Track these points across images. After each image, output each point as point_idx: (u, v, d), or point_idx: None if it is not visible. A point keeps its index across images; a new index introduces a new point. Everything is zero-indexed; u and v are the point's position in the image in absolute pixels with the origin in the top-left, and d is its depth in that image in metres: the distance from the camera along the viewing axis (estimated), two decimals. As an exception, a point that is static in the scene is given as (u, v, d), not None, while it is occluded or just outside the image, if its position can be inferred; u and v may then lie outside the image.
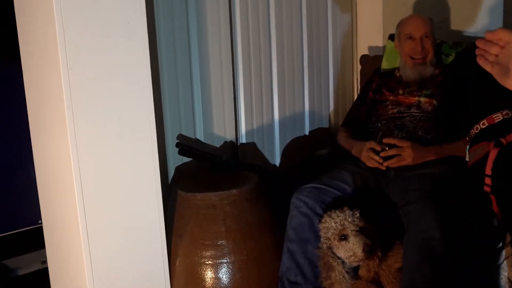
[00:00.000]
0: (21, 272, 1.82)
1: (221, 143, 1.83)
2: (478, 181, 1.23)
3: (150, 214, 1.35)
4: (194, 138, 1.75)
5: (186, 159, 1.70)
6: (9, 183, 1.74)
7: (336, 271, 1.40)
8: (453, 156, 1.58)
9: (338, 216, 1.39)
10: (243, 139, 1.91)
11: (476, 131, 1.26)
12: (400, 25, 1.82)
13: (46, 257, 1.50)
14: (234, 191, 1.48)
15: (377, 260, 1.41)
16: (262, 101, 1.96)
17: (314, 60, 2.16)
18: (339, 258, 1.41)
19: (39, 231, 1.49)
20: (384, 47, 2.15)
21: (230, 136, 1.86)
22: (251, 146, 1.93)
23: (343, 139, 1.85)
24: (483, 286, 1.37)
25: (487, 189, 1.20)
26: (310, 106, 2.16)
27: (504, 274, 1.37)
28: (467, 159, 1.31)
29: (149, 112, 1.31)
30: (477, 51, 0.89)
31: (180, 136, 1.70)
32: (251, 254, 1.48)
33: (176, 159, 1.69)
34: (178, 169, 1.70)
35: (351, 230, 1.36)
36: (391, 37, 1.98)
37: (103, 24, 1.20)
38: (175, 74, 1.67)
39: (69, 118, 1.17)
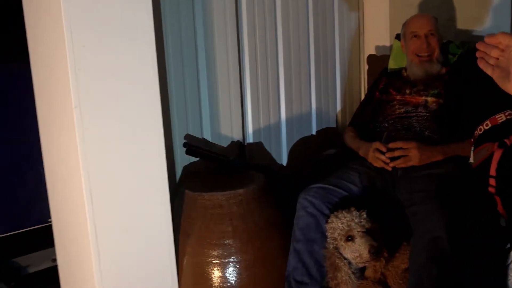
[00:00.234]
0: (31, 270, 1.84)
1: (228, 143, 1.84)
2: (482, 182, 1.22)
3: (157, 213, 1.36)
4: (201, 138, 1.76)
5: (194, 159, 1.71)
6: (20, 182, 1.77)
7: (343, 272, 1.40)
8: (459, 156, 1.58)
9: (345, 217, 1.40)
10: (250, 139, 1.91)
11: (480, 132, 1.26)
12: (405, 24, 1.83)
13: (56, 255, 1.52)
14: (241, 191, 1.49)
15: (384, 261, 1.41)
16: (269, 101, 1.96)
17: (321, 59, 2.16)
18: (345, 258, 1.41)
19: (49, 230, 1.51)
20: (391, 47, 2.15)
21: (237, 136, 1.86)
22: (258, 146, 1.93)
23: (350, 139, 1.85)
24: (490, 286, 1.36)
25: (491, 190, 1.19)
26: (317, 105, 2.16)
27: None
28: (471, 160, 1.31)
29: (156, 111, 1.32)
30: (477, 54, 0.89)
31: (188, 136, 1.71)
32: (257, 254, 1.48)
33: (183, 159, 1.70)
34: (186, 168, 1.71)
35: (358, 231, 1.36)
36: (398, 37, 1.97)
37: (110, 25, 1.22)
38: (182, 74, 1.68)
39: (77, 117, 1.18)
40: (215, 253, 1.45)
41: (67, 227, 1.39)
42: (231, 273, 1.45)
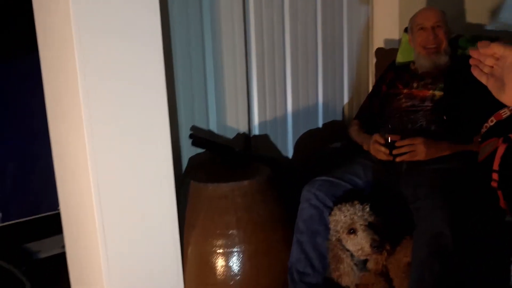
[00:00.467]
0: (42, 255, 1.89)
1: (234, 135, 1.85)
2: (486, 177, 1.22)
3: (163, 203, 1.38)
4: (207, 129, 1.78)
5: (200, 150, 1.73)
6: (33, 170, 1.80)
7: (345, 263, 1.41)
8: (465, 151, 1.57)
9: (348, 210, 1.41)
10: (256, 131, 1.92)
11: (485, 129, 1.25)
12: (412, 18, 1.81)
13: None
14: (245, 182, 1.51)
15: (386, 254, 1.42)
16: (276, 93, 1.97)
17: (328, 52, 2.15)
18: (348, 250, 1.42)
19: (59, 217, 1.55)
20: (400, 41, 2.13)
21: (243, 128, 1.87)
22: (264, 138, 1.94)
23: (354, 133, 1.86)
24: (493, 283, 1.37)
25: (494, 184, 1.20)
26: (324, 98, 2.16)
27: (514, 271, 1.36)
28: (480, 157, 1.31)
29: (162, 103, 1.33)
30: (471, 61, 0.86)
31: (194, 128, 1.73)
32: (261, 244, 1.50)
33: (189, 150, 1.71)
34: (192, 159, 1.73)
35: (360, 225, 1.37)
36: (407, 31, 1.95)
37: (116, 19, 1.22)
38: (189, 65, 1.69)
39: (85, 109, 1.20)
40: (219, 243, 1.47)
41: (75, 216, 1.43)
42: (234, 263, 1.47)
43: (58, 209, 1.55)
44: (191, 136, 1.65)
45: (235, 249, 1.47)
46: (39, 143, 1.57)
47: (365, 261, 1.45)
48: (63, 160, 1.44)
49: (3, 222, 1.70)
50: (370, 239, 1.33)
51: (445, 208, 1.34)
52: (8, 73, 1.69)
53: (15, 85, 1.75)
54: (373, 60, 2.35)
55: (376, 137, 1.64)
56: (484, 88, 0.85)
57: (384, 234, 1.40)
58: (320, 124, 2.16)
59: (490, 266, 1.32)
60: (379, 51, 2.26)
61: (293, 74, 2.01)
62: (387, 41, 2.30)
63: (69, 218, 1.49)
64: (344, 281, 1.42)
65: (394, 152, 1.60)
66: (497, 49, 0.81)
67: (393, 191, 1.61)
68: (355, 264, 1.43)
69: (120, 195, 1.29)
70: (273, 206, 1.57)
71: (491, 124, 1.24)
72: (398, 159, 1.60)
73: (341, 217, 1.41)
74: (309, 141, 2.08)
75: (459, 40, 1.84)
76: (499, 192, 1.18)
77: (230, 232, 1.48)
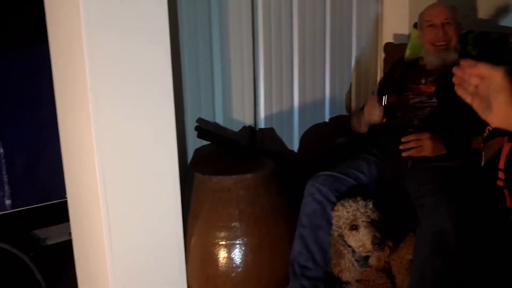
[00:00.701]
0: (50, 242, 1.93)
1: (240, 127, 1.85)
2: (492, 176, 1.22)
3: (167, 194, 1.39)
4: (213, 122, 1.79)
5: (205, 143, 1.74)
6: (42, 158, 1.83)
7: (346, 259, 1.42)
8: (471, 149, 1.56)
9: (351, 206, 1.41)
10: (261, 125, 1.92)
11: (490, 128, 1.24)
12: (421, 14, 1.78)
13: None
14: (248, 175, 1.52)
15: (388, 251, 1.42)
16: (282, 87, 1.96)
17: (337, 45, 2.14)
18: (349, 246, 1.43)
19: (66, 205, 1.58)
20: (409, 36, 2.10)
21: (248, 121, 1.88)
22: (269, 132, 1.95)
23: (354, 118, 1.86)
24: (496, 282, 1.36)
25: (500, 183, 1.19)
26: (331, 92, 2.14)
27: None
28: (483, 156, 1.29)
29: (168, 95, 1.34)
30: (454, 80, 0.83)
31: (200, 120, 1.74)
32: (263, 237, 1.51)
33: (195, 142, 1.73)
34: (197, 152, 1.74)
35: (362, 221, 1.37)
36: (416, 26, 1.93)
37: (124, 7, 1.23)
38: (196, 58, 1.69)
39: (92, 100, 1.22)
40: (221, 235, 1.49)
41: (81, 204, 1.45)
42: (236, 255, 1.49)
43: (65, 197, 1.58)
44: (196, 128, 1.66)
45: (237, 241, 1.49)
46: (50, 131, 1.59)
47: (367, 257, 1.46)
48: (70, 149, 1.47)
49: (12, 208, 1.74)
50: (371, 236, 1.34)
51: (449, 206, 1.33)
52: (17, 63, 1.71)
53: (27, 74, 1.77)
54: (381, 55, 2.32)
55: (372, 97, 1.65)
56: None
57: (386, 231, 1.40)
58: (326, 119, 2.15)
59: (492, 266, 1.31)
60: (388, 46, 2.24)
61: (300, 68, 2.00)
62: (396, 36, 2.27)
63: (75, 206, 1.51)
64: (345, 276, 1.43)
65: (401, 147, 1.59)
66: (483, 69, 0.78)
67: (398, 187, 1.60)
68: (357, 260, 1.44)
69: (125, 185, 1.31)
70: (276, 200, 1.58)
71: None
72: (404, 154, 1.60)
73: (344, 213, 1.41)
74: (314, 135, 2.08)
75: (468, 36, 1.82)
76: (506, 191, 1.17)
77: (233, 224, 1.49)
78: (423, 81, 1.77)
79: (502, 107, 0.76)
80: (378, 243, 1.34)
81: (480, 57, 1.73)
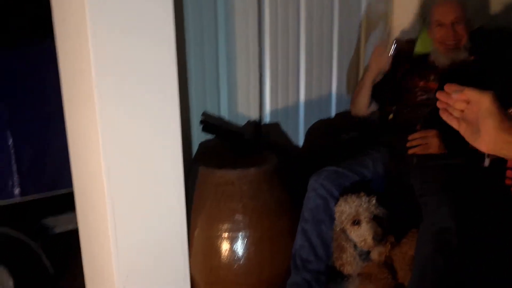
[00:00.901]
0: (58, 230, 1.96)
1: (245, 122, 1.86)
2: (499, 175, 1.21)
3: (171, 187, 1.40)
4: (218, 116, 1.80)
5: (210, 136, 1.75)
6: (51, 148, 1.85)
7: (348, 253, 1.43)
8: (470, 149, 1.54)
9: (354, 202, 1.41)
10: (267, 119, 1.93)
11: None
12: (430, 11, 1.76)
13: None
14: (252, 170, 1.53)
15: (390, 246, 1.42)
16: (288, 81, 1.96)
17: (345, 40, 2.12)
18: (351, 240, 1.43)
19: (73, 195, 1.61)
20: (419, 31, 2.07)
21: (254, 115, 1.88)
22: (274, 126, 1.95)
23: (354, 95, 1.88)
24: (496, 281, 1.36)
25: (508, 182, 1.18)
26: (338, 88, 2.13)
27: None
28: (485, 164, 1.29)
29: (173, 88, 1.34)
30: (439, 104, 0.82)
31: (205, 114, 1.75)
32: (265, 231, 1.53)
33: (200, 136, 1.74)
34: (202, 145, 1.76)
35: (365, 217, 1.38)
36: (426, 21, 1.91)
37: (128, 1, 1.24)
38: (202, 51, 1.69)
39: (97, 95, 1.23)
40: (224, 227, 1.50)
41: (87, 196, 1.47)
42: (238, 247, 1.50)
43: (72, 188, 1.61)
44: (201, 121, 1.67)
45: (240, 234, 1.50)
46: (59, 121, 1.61)
47: (369, 252, 1.46)
48: (76, 142, 1.49)
49: (21, 196, 1.77)
50: (373, 232, 1.34)
51: (452, 204, 1.33)
52: (23, 57, 1.73)
53: (37, 66, 1.79)
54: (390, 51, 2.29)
55: (380, 44, 1.68)
56: (494, 87, 0.82)
57: (389, 227, 1.41)
58: (332, 114, 2.15)
59: (493, 265, 1.31)
60: (397, 41, 2.21)
61: (307, 63, 1.99)
62: (405, 31, 2.25)
63: (81, 198, 1.54)
64: (346, 270, 1.44)
65: (408, 144, 1.58)
66: (471, 95, 0.77)
67: (403, 184, 1.60)
68: (359, 254, 1.44)
69: (130, 179, 1.32)
70: (279, 194, 1.58)
71: None
72: (410, 152, 1.59)
73: (346, 208, 1.42)
74: (320, 130, 2.07)
75: (478, 32, 1.79)
76: None
77: (236, 217, 1.50)
78: (431, 77, 1.75)
79: (491, 132, 0.74)
80: (379, 239, 1.34)
81: (488, 54, 1.71)
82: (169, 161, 1.39)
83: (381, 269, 1.46)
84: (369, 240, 1.35)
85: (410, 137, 1.59)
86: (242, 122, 1.85)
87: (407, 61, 1.90)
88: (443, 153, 1.57)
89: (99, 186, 1.31)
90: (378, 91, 1.86)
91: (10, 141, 1.70)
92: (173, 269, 1.46)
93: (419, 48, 1.95)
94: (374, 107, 1.90)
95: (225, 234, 1.50)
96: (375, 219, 1.38)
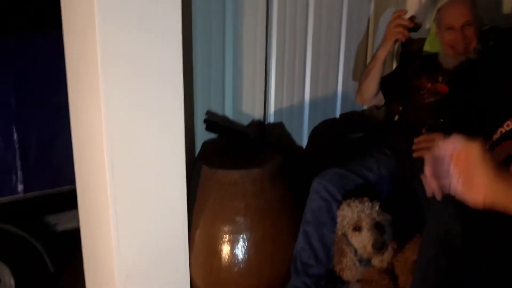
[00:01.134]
0: (60, 228, 1.97)
1: (249, 121, 1.85)
2: None
3: (173, 185, 1.40)
4: (222, 115, 1.79)
5: (214, 135, 1.74)
6: (56, 144, 1.86)
7: (348, 258, 1.42)
8: None
9: (356, 207, 1.40)
10: (271, 118, 1.91)
11: (500, 134, 1.20)
12: (439, 12, 1.72)
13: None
14: (255, 170, 1.52)
15: (392, 252, 1.41)
16: (294, 81, 1.94)
17: (352, 40, 2.10)
18: (352, 245, 1.42)
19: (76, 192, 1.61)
20: (428, 30, 2.04)
21: (258, 114, 1.87)
22: (279, 126, 1.94)
23: (362, 78, 1.82)
24: (497, 282, 1.34)
25: None
26: (344, 88, 2.11)
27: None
28: None
29: (178, 87, 1.33)
30: (415, 147, 0.80)
31: (209, 113, 1.74)
32: (267, 232, 1.52)
33: (204, 135, 1.73)
34: (205, 144, 1.75)
35: (366, 223, 1.36)
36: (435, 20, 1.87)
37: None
38: (208, 49, 1.68)
39: (102, 91, 1.22)
40: (226, 227, 1.50)
41: (89, 193, 1.48)
42: (239, 248, 1.50)
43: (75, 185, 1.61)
44: (205, 121, 1.67)
45: (241, 235, 1.50)
46: (64, 118, 1.61)
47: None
48: (80, 140, 1.49)
49: (24, 193, 1.78)
50: (373, 239, 1.33)
51: (458, 207, 1.30)
52: (31, 51, 1.73)
53: (41, 61, 1.79)
54: (399, 50, 2.26)
55: (396, 12, 1.61)
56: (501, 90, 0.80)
57: (392, 233, 1.39)
58: (337, 114, 2.13)
59: (493, 266, 1.29)
60: (406, 41, 2.17)
61: (314, 63, 1.97)
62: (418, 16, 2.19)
63: (84, 195, 1.54)
64: (346, 275, 1.43)
65: (414, 147, 1.57)
66: (457, 143, 0.75)
67: (407, 187, 1.58)
68: (360, 260, 1.43)
69: (133, 176, 1.32)
70: (281, 195, 1.58)
71: (507, 129, 1.19)
72: (415, 155, 1.57)
73: (349, 213, 1.40)
74: (324, 131, 2.06)
75: (490, 32, 1.75)
76: None
77: (238, 218, 1.50)
78: (440, 79, 1.72)
79: (485, 181, 0.73)
80: (378, 247, 1.33)
81: (498, 53, 1.67)
82: (172, 160, 1.38)
83: (381, 275, 1.45)
84: (369, 247, 1.34)
85: (415, 140, 1.57)
86: (246, 122, 1.84)
87: (417, 59, 1.86)
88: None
89: (102, 184, 1.31)
90: (387, 84, 1.83)
91: (15, 137, 1.71)
92: (173, 270, 1.46)
93: (427, 47, 1.92)
94: (380, 99, 1.84)
95: (226, 235, 1.50)
96: (377, 226, 1.36)
